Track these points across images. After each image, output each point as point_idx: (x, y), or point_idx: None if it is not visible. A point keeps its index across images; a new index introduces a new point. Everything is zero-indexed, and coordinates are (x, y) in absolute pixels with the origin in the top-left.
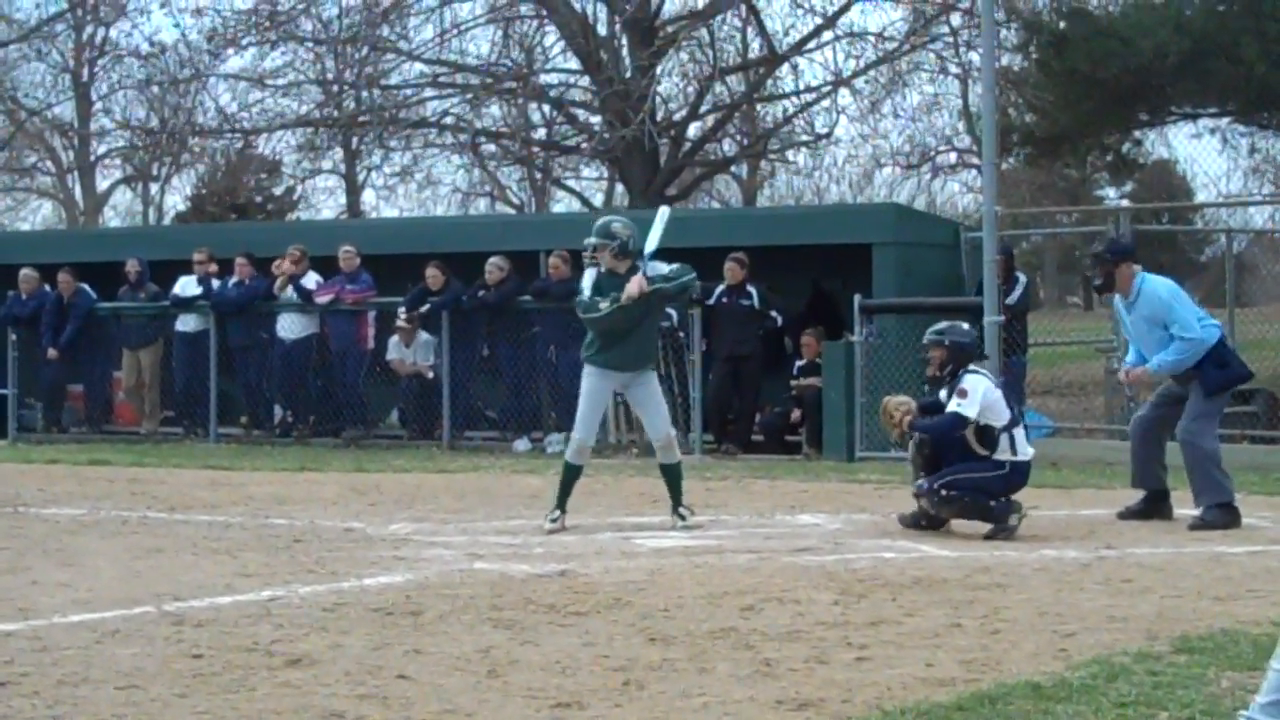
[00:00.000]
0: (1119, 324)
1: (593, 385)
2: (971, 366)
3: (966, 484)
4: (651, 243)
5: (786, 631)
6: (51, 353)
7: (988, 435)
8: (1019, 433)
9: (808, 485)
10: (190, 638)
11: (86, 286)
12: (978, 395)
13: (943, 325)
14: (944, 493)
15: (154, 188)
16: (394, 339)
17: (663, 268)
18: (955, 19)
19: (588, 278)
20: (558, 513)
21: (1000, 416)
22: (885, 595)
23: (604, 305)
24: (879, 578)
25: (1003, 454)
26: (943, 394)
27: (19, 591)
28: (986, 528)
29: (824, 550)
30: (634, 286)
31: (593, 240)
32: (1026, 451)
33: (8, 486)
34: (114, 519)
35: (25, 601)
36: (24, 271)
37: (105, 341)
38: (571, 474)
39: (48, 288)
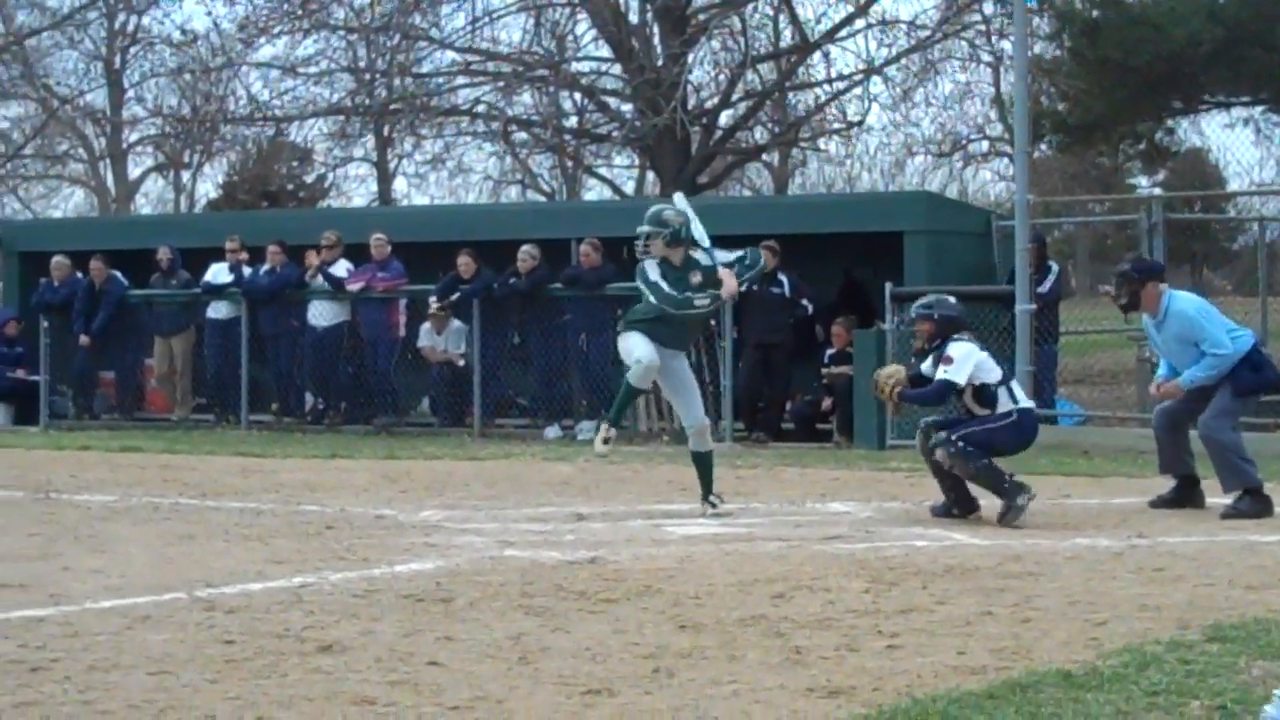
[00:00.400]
0: (1149, 339)
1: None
2: (955, 336)
3: (982, 439)
4: (700, 232)
5: (817, 619)
6: (83, 339)
7: (985, 394)
8: (1015, 385)
9: (838, 473)
10: (222, 624)
11: (118, 274)
12: (964, 361)
13: (930, 299)
14: (961, 445)
15: (185, 175)
16: (425, 326)
17: (728, 255)
18: (987, 7)
19: (654, 269)
20: (612, 430)
21: (993, 374)
22: (916, 583)
23: (701, 301)
24: (910, 566)
25: (1004, 407)
26: (925, 365)
27: (51, 577)
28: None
29: (855, 538)
30: (732, 285)
31: (645, 228)
32: (1027, 401)
33: (40, 473)
34: (145, 505)
35: (57, 587)
36: (56, 259)
37: (137, 329)
38: (632, 394)
39: (80, 275)
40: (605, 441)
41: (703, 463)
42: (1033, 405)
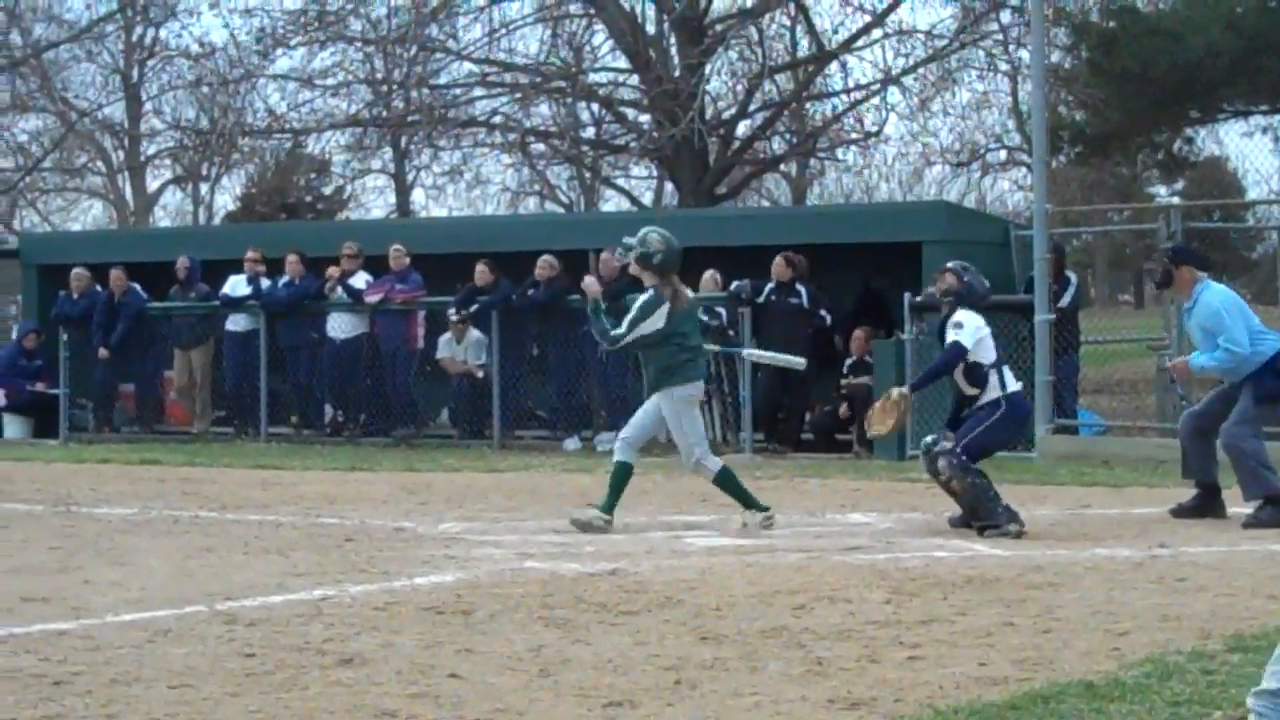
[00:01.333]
0: (1181, 323)
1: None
2: (970, 306)
3: (981, 442)
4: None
5: (838, 630)
6: (102, 352)
7: (977, 372)
8: (1006, 370)
9: (858, 484)
10: (242, 637)
11: (137, 287)
12: (971, 327)
13: (968, 264)
14: (962, 458)
15: (204, 188)
16: (445, 337)
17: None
18: (1004, 16)
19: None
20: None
21: (989, 354)
22: (937, 594)
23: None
24: (931, 576)
25: (993, 391)
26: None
27: (71, 591)
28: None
29: (875, 549)
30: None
31: (629, 241)
32: (1015, 384)
33: (59, 486)
34: (165, 518)
35: (78, 601)
36: (76, 270)
37: (156, 341)
38: (628, 474)
39: (99, 288)
40: (608, 523)
41: (722, 484)
42: (1020, 387)
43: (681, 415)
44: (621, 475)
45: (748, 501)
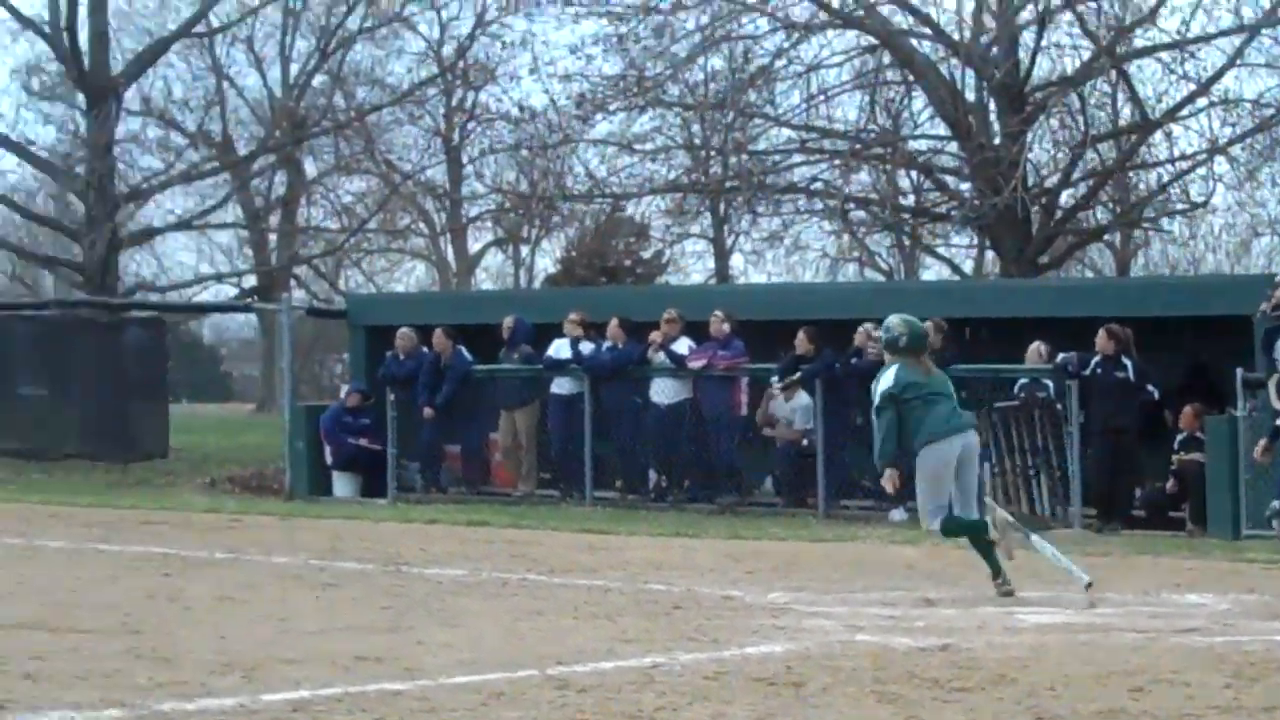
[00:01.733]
0: None
1: None
2: None
3: None
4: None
5: (1178, 714)
6: (427, 411)
7: None
8: None
9: (1192, 563)
10: (574, 702)
11: (463, 349)
12: None
13: None
14: None
15: (524, 250)
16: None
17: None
18: None
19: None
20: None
21: None
22: None
23: None
24: (1273, 661)
25: None
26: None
27: (404, 650)
28: None
29: (1213, 631)
30: None
31: (877, 333)
32: None
33: (389, 545)
34: (494, 580)
35: (411, 661)
36: (402, 330)
37: (482, 402)
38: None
39: (425, 350)
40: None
41: (951, 534)
42: None
43: (923, 475)
44: (972, 532)
45: (994, 566)
